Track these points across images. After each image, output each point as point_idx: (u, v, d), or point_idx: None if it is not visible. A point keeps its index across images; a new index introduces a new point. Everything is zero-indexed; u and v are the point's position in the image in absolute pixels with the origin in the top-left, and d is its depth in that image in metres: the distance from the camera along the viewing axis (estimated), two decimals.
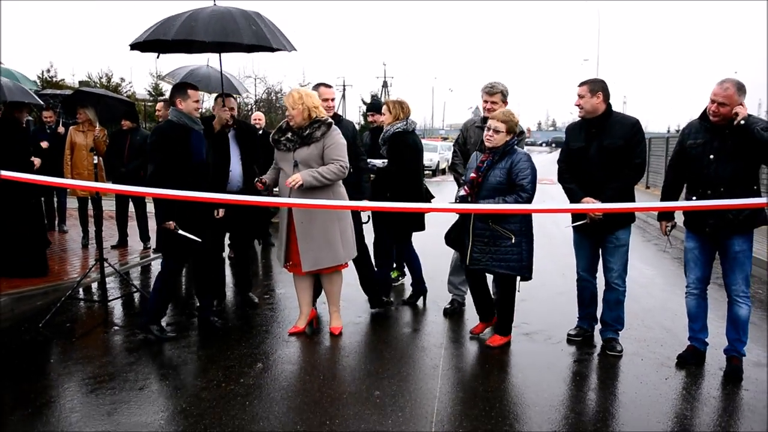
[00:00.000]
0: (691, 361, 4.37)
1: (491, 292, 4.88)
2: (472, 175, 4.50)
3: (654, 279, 7.03)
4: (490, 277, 4.81)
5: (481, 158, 4.54)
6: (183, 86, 4.68)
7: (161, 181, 4.32)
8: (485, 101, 5.07)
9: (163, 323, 4.86)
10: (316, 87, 5.13)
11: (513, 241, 4.41)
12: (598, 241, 4.65)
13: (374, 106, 6.86)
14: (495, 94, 5.02)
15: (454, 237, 4.74)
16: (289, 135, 4.60)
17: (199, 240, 4.54)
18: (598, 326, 4.83)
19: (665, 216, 4.49)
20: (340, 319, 4.96)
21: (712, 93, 3.99)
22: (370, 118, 6.85)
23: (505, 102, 5.05)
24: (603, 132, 4.44)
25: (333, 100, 5.15)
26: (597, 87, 4.44)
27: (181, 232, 4.47)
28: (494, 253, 4.44)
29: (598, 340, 4.82)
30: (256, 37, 4.89)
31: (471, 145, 5.12)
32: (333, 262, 4.65)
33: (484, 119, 4.98)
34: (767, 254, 6.99)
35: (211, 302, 5.14)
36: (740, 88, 3.93)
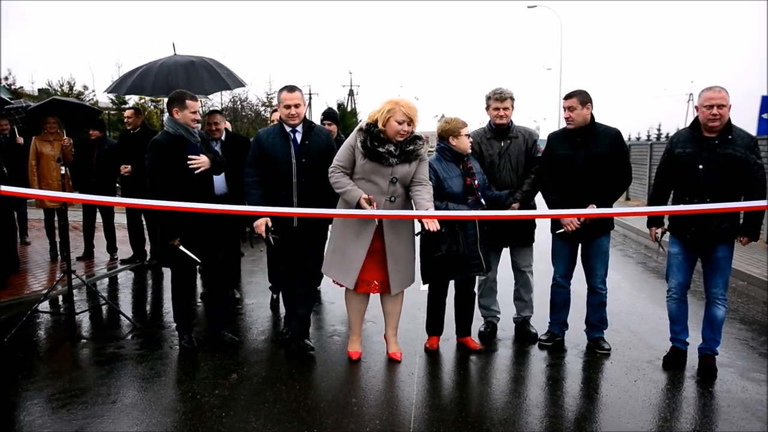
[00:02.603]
0: (675, 362, 4.51)
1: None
2: (477, 182, 4.53)
3: (620, 283, 7.19)
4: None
5: (468, 165, 4.59)
6: (181, 96, 4.60)
7: (161, 195, 4.28)
8: (496, 109, 4.85)
9: (134, 335, 4.79)
10: (280, 90, 4.54)
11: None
12: (578, 248, 4.79)
13: (329, 115, 6.32)
14: (505, 99, 4.85)
15: (465, 253, 4.41)
16: (391, 148, 4.19)
17: (198, 261, 4.58)
18: (576, 329, 4.97)
19: (655, 222, 4.56)
20: (398, 344, 4.66)
21: (706, 99, 4.10)
22: (327, 127, 6.31)
23: (513, 107, 4.91)
24: (589, 141, 4.54)
25: (298, 106, 4.41)
26: (586, 98, 4.54)
27: (182, 248, 4.49)
28: (487, 254, 4.61)
29: (569, 344, 4.93)
30: (214, 82, 6.05)
31: (492, 157, 4.88)
32: (411, 282, 4.57)
33: (496, 128, 4.91)
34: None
35: (222, 315, 5.04)
36: (726, 91, 4.11)
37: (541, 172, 4.77)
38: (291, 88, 4.47)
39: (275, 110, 5.65)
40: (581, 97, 4.53)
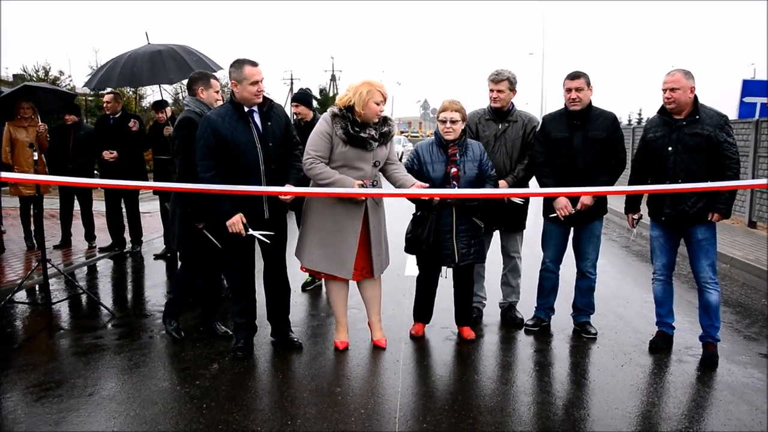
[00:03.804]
0: (663, 345, 4.50)
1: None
2: (455, 170, 4.35)
3: (604, 267, 7.15)
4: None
5: (450, 152, 4.39)
6: (206, 75, 4.43)
7: (191, 175, 4.03)
8: (491, 90, 4.77)
9: (112, 325, 4.67)
10: (239, 64, 3.95)
11: (482, 230, 4.53)
12: (569, 233, 4.76)
13: (300, 97, 5.79)
14: (501, 81, 4.72)
15: (429, 240, 4.35)
16: (372, 132, 4.10)
17: (220, 246, 4.32)
18: (562, 314, 4.94)
19: (631, 208, 4.57)
20: (382, 330, 4.57)
21: (663, 83, 4.18)
22: (294, 110, 5.97)
23: (513, 90, 4.77)
24: (586, 123, 4.51)
25: (262, 82, 3.99)
26: (589, 80, 4.52)
27: (206, 233, 4.29)
28: (474, 245, 4.47)
29: (555, 328, 4.90)
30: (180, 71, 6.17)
31: (487, 138, 4.78)
32: (389, 263, 4.53)
33: (494, 110, 4.82)
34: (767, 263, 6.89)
35: (215, 307, 4.80)
36: (687, 74, 4.12)
37: (536, 155, 4.69)
38: (254, 62, 3.98)
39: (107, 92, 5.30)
40: (587, 78, 4.51)
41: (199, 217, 4.27)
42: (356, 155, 4.10)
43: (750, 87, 11.54)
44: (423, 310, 4.72)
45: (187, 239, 4.43)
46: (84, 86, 7.81)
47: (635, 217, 4.58)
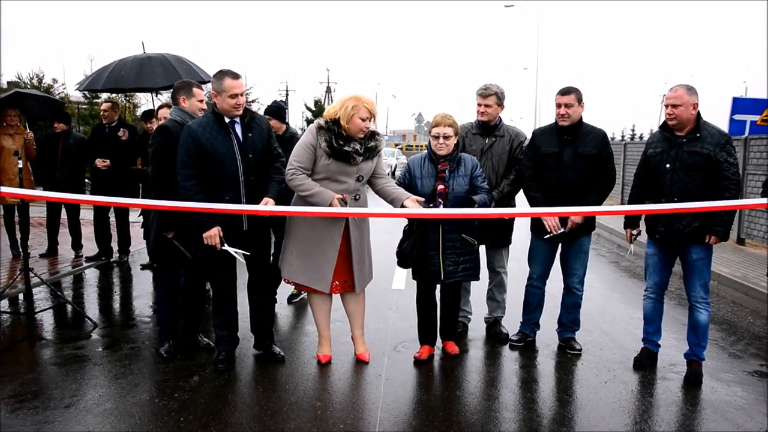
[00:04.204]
0: (647, 363, 4.47)
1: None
2: (441, 186, 4.29)
3: (592, 283, 7.15)
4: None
5: (440, 167, 4.33)
6: (188, 84, 4.42)
7: (163, 182, 4.06)
8: (479, 104, 4.77)
9: (95, 336, 4.60)
10: (221, 76, 3.96)
11: (476, 246, 4.43)
12: (557, 249, 4.73)
13: (272, 110, 5.43)
14: (489, 96, 4.72)
15: (414, 255, 4.30)
16: (357, 146, 4.07)
17: (190, 258, 4.26)
18: (552, 329, 4.92)
19: (630, 224, 4.53)
20: (366, 344, 4.54)
21: (665, 98, 4.19)
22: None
23: (501, 105, 4.79)
24: (577, 139, 4.49)
25: (243, 95, 3.99)
26: (581, 96, 4.50)
27: (176, 243, 4.23)
28: (464, 262, 4.35)
29: (539, 344, 4.88)
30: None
31: (473, 153, 4.73)
32: (371, 278, 4.49)
33: (481, 124, 4.82)
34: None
35: (196, 319, 4.70)
36: (690, 90, 4.08)
37: (523, 169, 4.66)
38: (235, 74, 3.97)
39: (163, 105, 5.26)
40: (578, 95, 4.49)
41: (168, 226, 4.23)
42: (339, 168, 4.09)
43: (740, 105, 11.60)
44: (426, 331, 4.55)
45: (161, 251, 4.38)
46: (75, 88, 7.96)
47: (634, 233, 4.52)
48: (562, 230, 4.51)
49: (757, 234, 9.92)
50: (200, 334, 4.71)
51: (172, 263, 4.41)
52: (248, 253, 4.06)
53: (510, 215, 4.70)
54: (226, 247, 3.97)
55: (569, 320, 4.82)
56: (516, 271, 5.27)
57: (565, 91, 4.50)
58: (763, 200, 4.01)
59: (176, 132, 4.09)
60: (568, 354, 4.70)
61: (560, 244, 4.72)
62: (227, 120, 3.99)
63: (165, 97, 8.61)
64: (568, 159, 4.48)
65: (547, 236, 4.56)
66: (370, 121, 4.09)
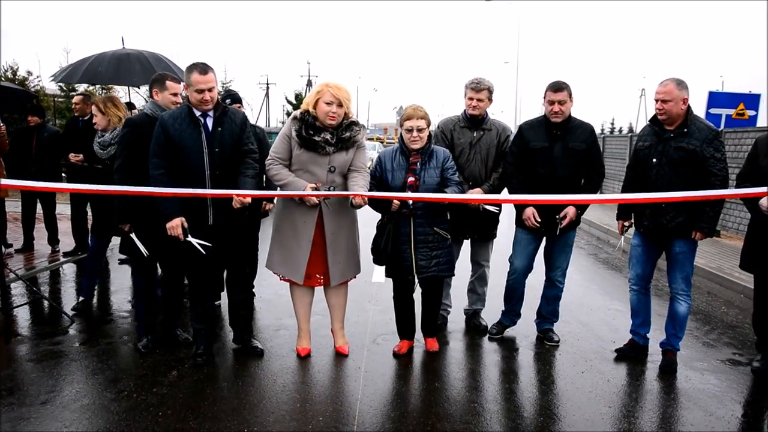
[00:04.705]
0: (630, 353, 4.51)
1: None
2: (411, 179, 4.22)
3: (572, 275, 7.13)
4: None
5: (412, 160, 4.26)
6: (162, 77, 4.37)
7: (126, 176, 4.05)
8: (470, 98, 4.71)
9: (72, 331, 4.55)
10: (189, 69, 3.93)
11: (449, 241, 4.37)
12: (541, 242, 4.73)
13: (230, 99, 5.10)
14: (482, 90, 4.69)
15: (387, 250, 4.24)
16: (327, 136, 4.02)
17: (145, 254, 4.23)
18: (530, 320, 4.97)
19: (623, 215, 4.54)
20: (345, 337, 4.55)
21: (655, 93, 4.16)
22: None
23: (490, 99, 4.78)
24: (567, 134, 4.47)
25: (212, 90, 3.90)
26: (571, 91, 4.47)
27: (133, 237, 4.20)
28: (438, 257, 4.29)
29: (518, 335, 4.92)
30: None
31: (462, 146, 4.75)
32: (355, 273, 4.44)
33: (470, 118, 4.78)
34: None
35: (175, 314, 4.62)
36: (680, 84, 4.08)
37: (506, 166, 4.64)
38: (203, 69, 3.89)
39: (76, 93, 5.33)
40: (569, 90, 4.45)
41: (123, 218, 4.20)
42: (309, 159, 4.07)
43: (715, 99, 11.74)
44: (404, 325, 4.53)
45: (129, 245, 4.34)
46: (50, 79, 7.93)
47: (626, 224, 4.53)
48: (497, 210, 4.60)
49: (731, 226, 10.09)
50: (179, 329, 4.68)
51: (170, 263, 4.34)
52: (210, 245, 3.99)
53: (492, 201, 4.62)
54: (189, 238, 3.93)
55: (548, 312, 4.87)
56: (497, 263, 5.30)
57: (558, 87, 4.44)
58: (762, 189, 3.73)
59: (142, 125, 4.11)
60: (546, 345, 4.75)
61: (545, 238, 4.72)
62: (198, 113, 3.96)
63: (143, 90, 8.52)
64: (558, 154, 4.45)
65: (488, 207, 4.59)
66: (338, 106, 4.01)
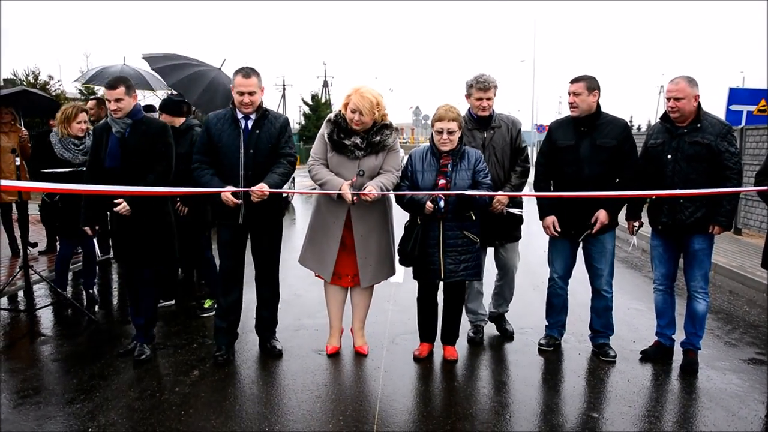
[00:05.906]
0: (656, 356, 4.43)
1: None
2: (443, 181, 4.10)
3: None
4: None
5: (442, 162, 4.14)
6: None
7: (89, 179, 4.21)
8: (479, 99, 4.45)
9: (95, 332, 4.60)
10: (235, 73, 4.08)
11: (477, 245, 4.27)
12: (577, 247, 4.54)
13: (163, 105, 5.23)
14: (490, 89, 4.44)
15: (414, 253, 4.14)
16: (357, 140, 4.05)
17: (110, 257, 4.40)
18: (579, 334, 4.89)
19: (632, 215, 4.49)
20: (365, 337, 4.56)
21: (667, 91, 4.17)
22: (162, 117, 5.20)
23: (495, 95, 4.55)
24: (594, 131, 4.31)
25: (252, 94, 4.01)
26: (593, 84, 4.28)
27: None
28: (466, 261, 4.18)
29: (537, 336, 4.87)
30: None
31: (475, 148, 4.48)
32: (388, 275, 4.45)
33: (479, 119, 4.55)
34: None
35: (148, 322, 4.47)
36: (691, 81, 4.06)
37: (537, 167, 4.52)
38: (247, 73, 4.01)
39: (91, 98, 5.41)
40: (588, 83, 4.28)
41: (88, 220, 4.30)
42: (339, 162, 4.12)
43: (736, 95, 11.59)
44: (426, 328, 4.46)
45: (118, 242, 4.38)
46: (74, 81, 8.59)
47: (636, 224, 4.49)
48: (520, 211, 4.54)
49: (753, 224, 9.97)
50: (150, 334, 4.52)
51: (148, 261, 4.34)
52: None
53: (517, 195, 4.52)
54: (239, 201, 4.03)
55: (601, 325, 4.58)
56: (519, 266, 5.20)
57: (574, 80, 4.33)
58: None
59: (98, 131, 4.23)
60: (564, 346, 4.71)
61: (581, 244, 4.53)
62: (240, 115, 4.10)
63: (161, 93, 8.64)
64: (585, 152, 4.29)
65: (512, 210, 4.51)
66: (358, 114, 3.99)
